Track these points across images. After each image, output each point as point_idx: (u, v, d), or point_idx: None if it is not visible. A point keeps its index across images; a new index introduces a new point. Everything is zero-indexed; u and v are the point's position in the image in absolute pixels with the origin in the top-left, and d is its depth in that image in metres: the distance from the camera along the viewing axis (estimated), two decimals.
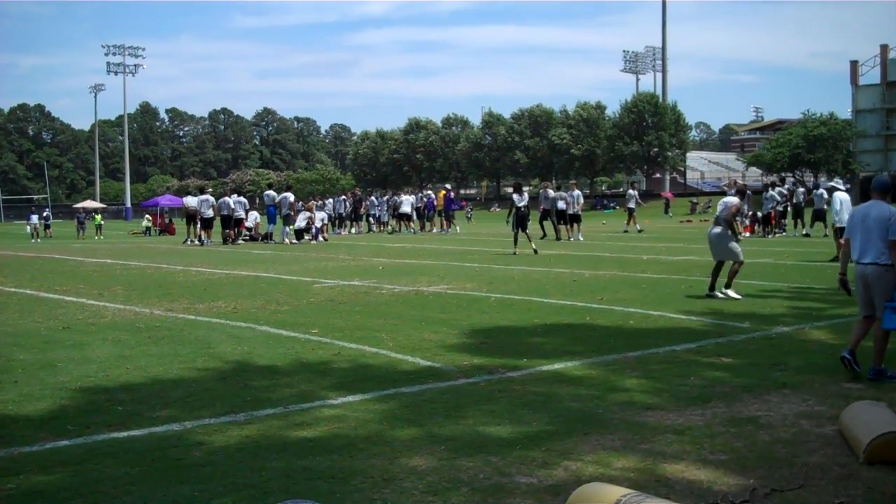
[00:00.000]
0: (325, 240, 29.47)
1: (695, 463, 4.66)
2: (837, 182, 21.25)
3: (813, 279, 13.66)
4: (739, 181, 36.42)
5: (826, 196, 25.16)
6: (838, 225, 17.33)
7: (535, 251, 20.38)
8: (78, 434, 5.39)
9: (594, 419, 5.57)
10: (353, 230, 36.74)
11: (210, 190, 32.28)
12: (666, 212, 55.38)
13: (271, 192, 31.37)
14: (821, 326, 9.13)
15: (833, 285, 11.62)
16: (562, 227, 27.55)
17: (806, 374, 6.80)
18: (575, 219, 27.52)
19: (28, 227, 41.66)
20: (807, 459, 4.71)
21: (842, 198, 17.21)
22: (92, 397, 6.37)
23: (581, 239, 26.91)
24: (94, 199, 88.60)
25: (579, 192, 28.50)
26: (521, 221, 20.93)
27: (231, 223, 28.97)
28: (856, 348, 6.77)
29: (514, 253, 20.41)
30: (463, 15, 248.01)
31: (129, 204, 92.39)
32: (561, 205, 27.55)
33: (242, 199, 30.55)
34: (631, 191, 32.89)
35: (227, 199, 29.54)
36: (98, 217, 44.90)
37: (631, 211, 31.66)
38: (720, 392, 6.24)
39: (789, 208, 28.27)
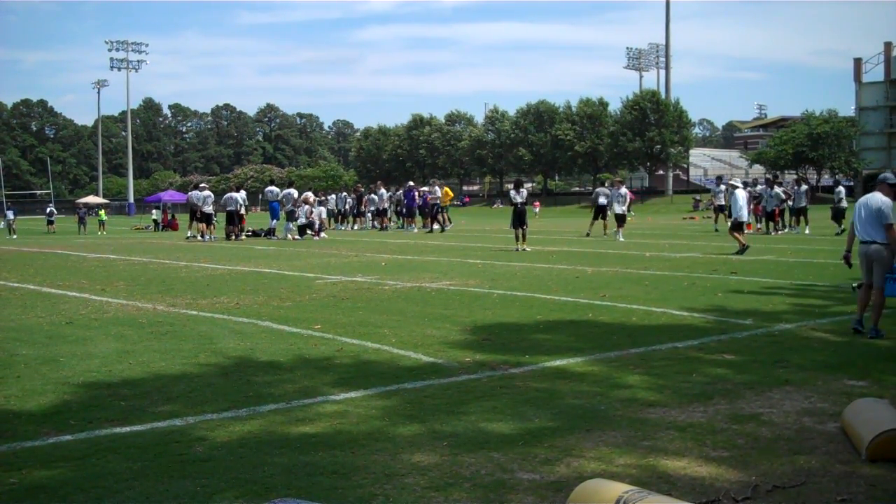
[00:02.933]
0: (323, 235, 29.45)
1: (697, 460, 4.66)
2: (736, 181, 22.69)
3: (816, 276, 13.62)
4: (741, 178, 36.19)
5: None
6: (739, 220, 18.98)
7: (525, 249, 20.38)
8: (80, 429, 5.39)
9: (596, 416, 5.57)
10: (355, 226, 36.74)
11: (205, 186, 32.10)
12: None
13: (274, 188, 31.36)
14: (823, 324, 9.11)
15: (835, 282, 11.62)
16: (597, 223, 27.79)
17: (808, 371, 6.79)
18: (621, 218, 26.02)
19: (2, 223, 41.49)
20: (809, 456, 4.71)
21: (741, 195, 19.18)
22: (94, 392, 6.37)
23: (621, 239, 24.73)
24: (96, 195, 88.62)
25: (626, 190, 27.19)
26: (519, 218, 20.91)
27: (236, 219, 29.00)
28: (861, 316, 8.35)
29: (517, 249, 20.42)
30: (466, 12, 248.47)
31: (132, 199, 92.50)
32: (602, 200, 27.64)
33: (243, 194, 30.59)
34: (721, 186, 32.43)
35: (233, 194, 29.57)
36: (102, 213, 44.92)
37: (721, 208, 29.45)
38: (722, 389, 6.23)
39: (790, 204, 28.23)
